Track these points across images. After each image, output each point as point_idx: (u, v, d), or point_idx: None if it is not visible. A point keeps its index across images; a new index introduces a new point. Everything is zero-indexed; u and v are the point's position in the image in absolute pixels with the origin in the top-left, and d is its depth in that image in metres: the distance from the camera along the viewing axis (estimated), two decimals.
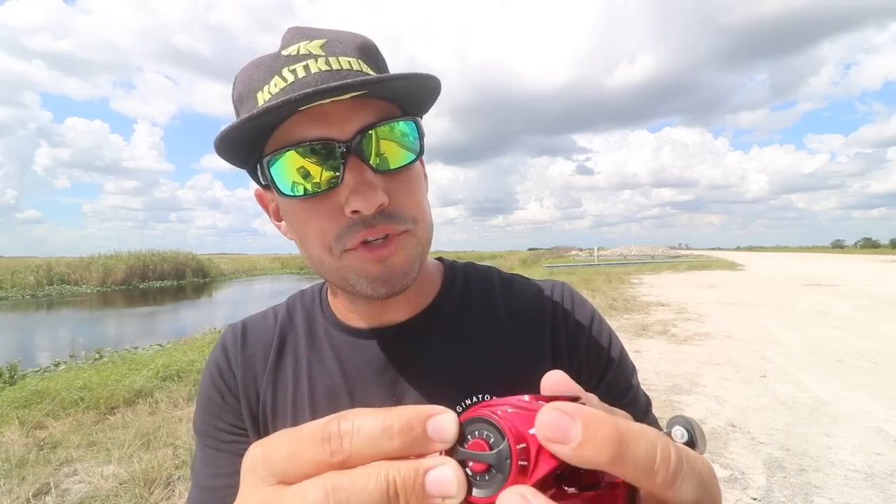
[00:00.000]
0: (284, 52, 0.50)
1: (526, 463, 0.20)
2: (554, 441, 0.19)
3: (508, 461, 0.21)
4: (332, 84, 0.42)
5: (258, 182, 0.54)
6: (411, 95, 0.51)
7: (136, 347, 7.76)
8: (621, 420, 0.20)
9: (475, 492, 0.21)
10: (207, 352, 5.81)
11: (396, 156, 0.50)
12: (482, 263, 0.72)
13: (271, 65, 0.50)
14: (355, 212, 0.48)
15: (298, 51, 0.49)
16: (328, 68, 0.48)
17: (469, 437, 0.22)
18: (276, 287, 24.70)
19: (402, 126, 0.50)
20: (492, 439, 0.21)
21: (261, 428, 0.60)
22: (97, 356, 6.80)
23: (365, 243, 0.49)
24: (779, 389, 4.42)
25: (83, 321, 14.05)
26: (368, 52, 0.53)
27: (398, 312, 0.60)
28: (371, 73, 0.51)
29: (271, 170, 0.49)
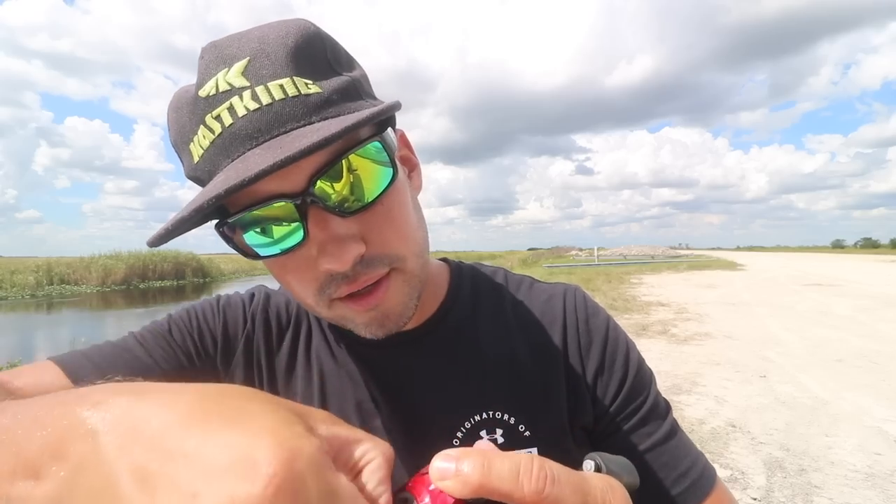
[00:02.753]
0: (202, 93, 0.41)
1: None
2: (440, 479, 0.24)
3: None
4: (266, 166, 0.34)
5: (228, 245, 0.47)
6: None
7: None
8: (488, 452, 0.24)
9: None
10: None
11: (365, 188, 0.43)
12: (489, 265, 0.69)
13: (192, 110, 0.42)
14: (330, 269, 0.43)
15: (217, 87, 0.41)
16: (257, 106, 0.39)
17: None
18: (276, 286, 24.68)
19: (364, 152, 0.42)
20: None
21: (256, 378, 0.58)
22: None
23: (350, 295, 0.45)
24: (779, 389, 4.42)
25: (83, 321, 14.05)
26: (304, 58, 0.42)
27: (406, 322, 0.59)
28: (310, 90, 0.41)
29: (229, 237, 0.44)
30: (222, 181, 0.37)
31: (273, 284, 0.62)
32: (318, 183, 0.40)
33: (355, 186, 0.42)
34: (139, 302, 19.18)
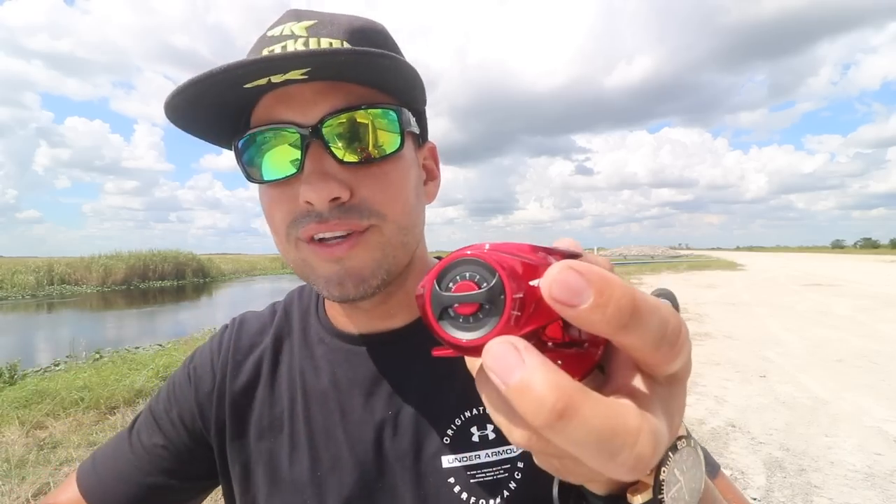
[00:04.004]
0: (269, 33, 0.48)
1: (520, 313, 0.19)
2: (562, 302, 0.17)
3: (503, 297, 0.19)
4: (259, 57, 0.38)
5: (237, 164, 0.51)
6: (389, 81, 0.46)
7: (137, 347, 7.76)
8: (637, 291, 0.18)
9: (464, 335, 0.20)
10: None
11: (370, 146, 0.45)
12: None
13: (256, 46, 0.48)
14: (308, 203, 0.44)
15: (282, 32, 0.47)
16: (304, 49, 0.45)
17: (453, 282, 0.21)
18: (276, 287, 24.69)
19: (379, 113, 0.45)
20: (478, 278, 0.20)
21: (235, 434, 0.57)
22: (97, 356, 6.80)
23: (319, 241, 0.46)
24: (779, 389, 4.42)
25: (83, 321, 14.06)
26: (364, 35, 0.48)
27: (391, 319, 0.56)
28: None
29: (242, 153, 0.47)
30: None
31: (254, 308, 0.67)
32: (328, 122, 0.44)
33: (360, 142, 0.45)
34: (140, 302, 19.18)
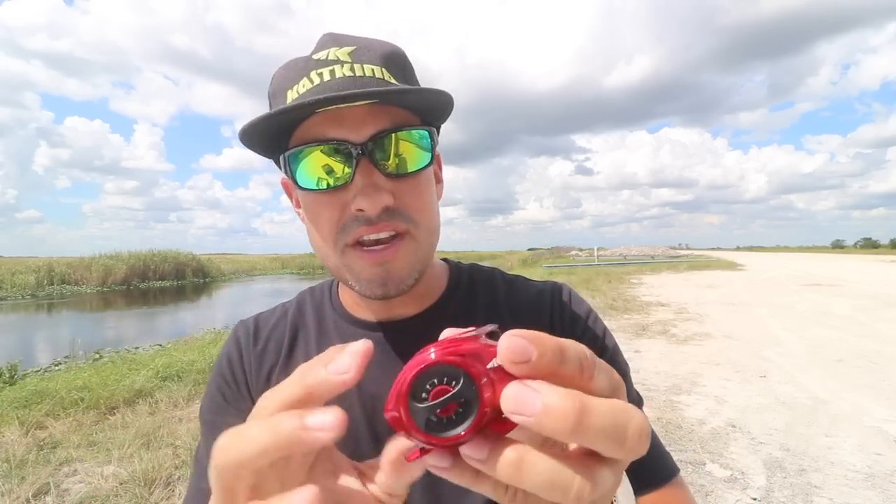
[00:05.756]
0: (315, 56, 0.54)
1: (491, 391, 0.22)
2: (514, 413, 0.21)
3: (474, 387, 0.22)
4: (343, 93, 0.46)
5: (284, 172, 0.57)
6: (424, 106, 0.54)
7: (137, 347, 7.76)
8: (582, 396, 0.22)
9: (454, 431, 0.23)
10: (207, 352, 5.82)
11: (407, 162, 0.53)
12: (485, 265, 0.74)
13: (303, 67, 0.54)
14: (360, 210, 0.51)
15: (328, 56, 0.54)
16: (351, 74, 0.52)
17: (425, 392, 0.23)
18: (276, 287, 24.70)
19: (415, 134, 0.53)
20: (446, 380, 0.23)
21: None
22: (97, 356, 6.80)
23: (363, 244, 0.52)
24: (779, 389, 4.42)
25: (83, 321, 14.06)
26: (395, 61, 0.56)
27: (406, 308, 0.63)
28: (394, 81, 0.54)
29: (291, 163, 0.52)
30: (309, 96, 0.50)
31: (254, 308, 0.68)
32: (376, 142, 0.51)
33: (400, 157, 0.53)
34: (140, 302, 19.18)
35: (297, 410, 0.24)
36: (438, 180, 0.64)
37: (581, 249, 69.93)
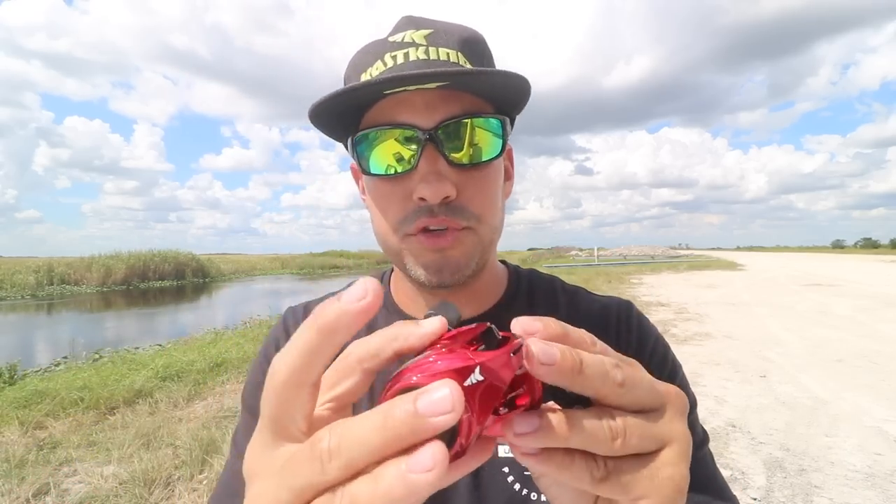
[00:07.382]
0: (391, 39, 0.53)
1: (477, 412, 0.21)
2: (544, 363, 0.23)
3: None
4: (411, 73, 0.44)
5: (351, 156, 0.56)
6: (499, 93, 0.51)
7: (136, 348, 7.75)
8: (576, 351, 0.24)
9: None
10: (207, 352, 5.81)
11: (475, 152, 0.50)
12: (545, 272, 0.71)
13: (378, 49, 0.53)
14: (421, 199, 0.49)
15: (403, 39, 0.52)
16: (425, 58, 0.51)
17: None
18: (276, 287, 24.69)
19: (486, 123, 0.51)
20: None
21: None
22: (97, 356, 6.80)
23: (425, 231, 0.50)
24: (779, 389, 4.42)
25: (83, 321, 14.05)
26: (472, 46, 0.54)
27: (463, 309, 0.59)
28: (466, 65, 0.52)
29: (357, 147, 0.51)
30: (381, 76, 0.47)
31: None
32: (444, 128, 0.48)
33: (468, 147, 0.50)
34: (139, 302, 19.17)
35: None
36: (509, 176, 0.61)
37: (581, 249, 69.94)
